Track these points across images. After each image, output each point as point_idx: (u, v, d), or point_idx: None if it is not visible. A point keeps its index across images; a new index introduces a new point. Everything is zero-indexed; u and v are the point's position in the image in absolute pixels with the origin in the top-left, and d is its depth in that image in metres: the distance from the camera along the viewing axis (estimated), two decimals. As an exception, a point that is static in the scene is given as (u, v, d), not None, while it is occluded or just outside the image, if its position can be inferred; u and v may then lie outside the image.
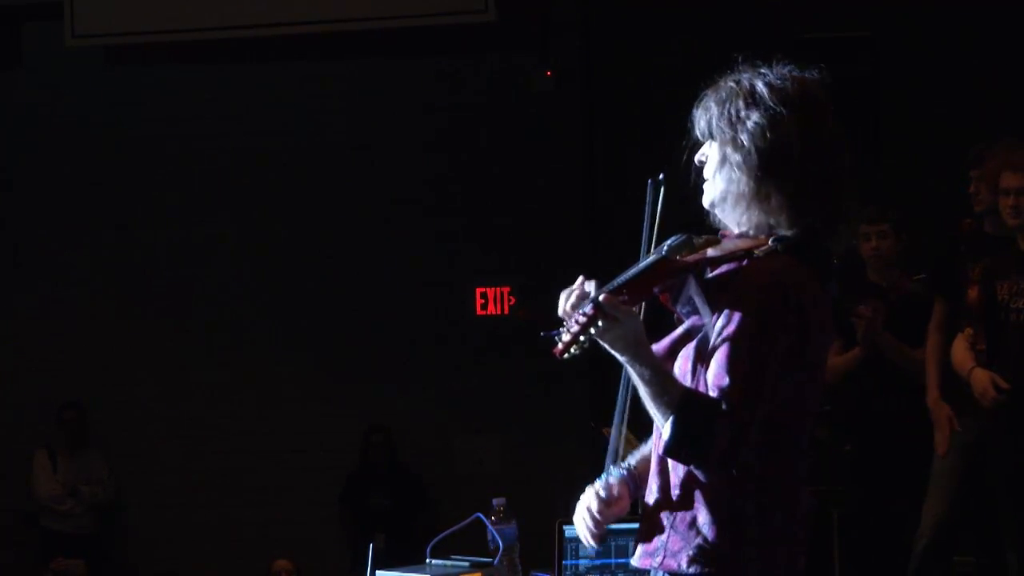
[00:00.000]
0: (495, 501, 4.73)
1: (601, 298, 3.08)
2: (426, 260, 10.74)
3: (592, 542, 3.35)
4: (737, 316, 3.10)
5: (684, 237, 3.20)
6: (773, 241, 3.17)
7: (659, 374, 3.12)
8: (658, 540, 3.23)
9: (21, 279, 11.16)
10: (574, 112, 10.59)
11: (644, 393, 3.14)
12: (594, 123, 10.57)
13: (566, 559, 4.84)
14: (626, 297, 3.14)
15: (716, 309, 3.15)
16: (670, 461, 3.22)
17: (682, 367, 3.22)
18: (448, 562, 4.83)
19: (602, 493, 3.32)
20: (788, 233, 3.20)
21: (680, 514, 3.19)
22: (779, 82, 3.24)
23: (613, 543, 4.82)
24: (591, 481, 3.37)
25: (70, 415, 10.74)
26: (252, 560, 10.06)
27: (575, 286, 3.23)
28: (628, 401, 3.27)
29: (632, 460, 3.39)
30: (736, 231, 3.27)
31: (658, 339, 3.29)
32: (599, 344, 3.15)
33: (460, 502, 5.84)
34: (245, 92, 10.98)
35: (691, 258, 3.17)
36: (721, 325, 3.12)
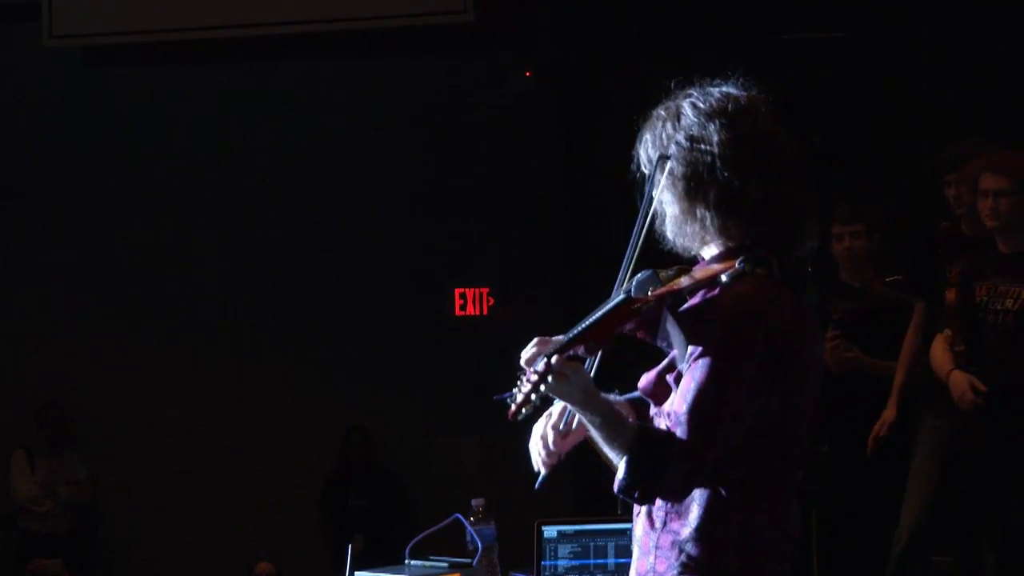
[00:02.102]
0: (474, 502, 4.74)
1: (554, 359, 3.08)
2: (405, 261, 10.74)
3: (543, 468, 3.37)
4: (704, 347, 3.09)
5: (650, 273, 3.18)
6: (739, 263, 3.15)
7: (609, 420, 3.13)
8: (646, 562, 3.23)
9: (1, 279, 11.14)
10: (553, 112, 10.59)
11: (597, 437, 3.15)
12: (573, 123, 10.58)
13: (544, 560, 4.85)
14: (584, 348, 3.14)
15: (691, 340, 3.13)
16: None
17: (670, 398, 3.22)
18: (427, 563, 4.84)
19: (561, 427, 3.32)
20: (743, 251, 3.18)
21: (664, 534, 3.19)
22: (704, 102, 3.23)
23: (592, 543, 4.83)
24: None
25: (49, 415, 10.71)
26: (231, 562, 10.05)
27: (536, 343, 3.23)
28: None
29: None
30: (705, 255, 3.27)
31: (648, 368, 3.28)
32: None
33: (439, 503, 5.84)
34: (225, 92, 10.97)
35: (656, 295, 3.14)
36: (690, 355, 3.12)
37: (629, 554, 4.62)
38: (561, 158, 10.57)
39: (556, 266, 10.32)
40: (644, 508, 3.24)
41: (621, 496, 3.14)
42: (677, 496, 3.13)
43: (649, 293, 3.13)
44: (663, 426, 3.14)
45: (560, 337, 3.17)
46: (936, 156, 7.30)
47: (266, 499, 10.69)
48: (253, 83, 10.96)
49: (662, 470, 3.06)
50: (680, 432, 3.07)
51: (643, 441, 3.09)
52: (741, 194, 3.17)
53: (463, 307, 10.64)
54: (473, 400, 10.39)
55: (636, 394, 3.36)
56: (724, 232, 3.20)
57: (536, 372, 3.08)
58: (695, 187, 3.20)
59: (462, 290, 10.63)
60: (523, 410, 3.12)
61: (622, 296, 3.13)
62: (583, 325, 3.13)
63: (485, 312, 10.58)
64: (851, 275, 7.57)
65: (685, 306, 3.17)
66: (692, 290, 3.16)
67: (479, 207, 10.64)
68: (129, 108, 11.05)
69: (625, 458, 3.09)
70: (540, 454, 3.36)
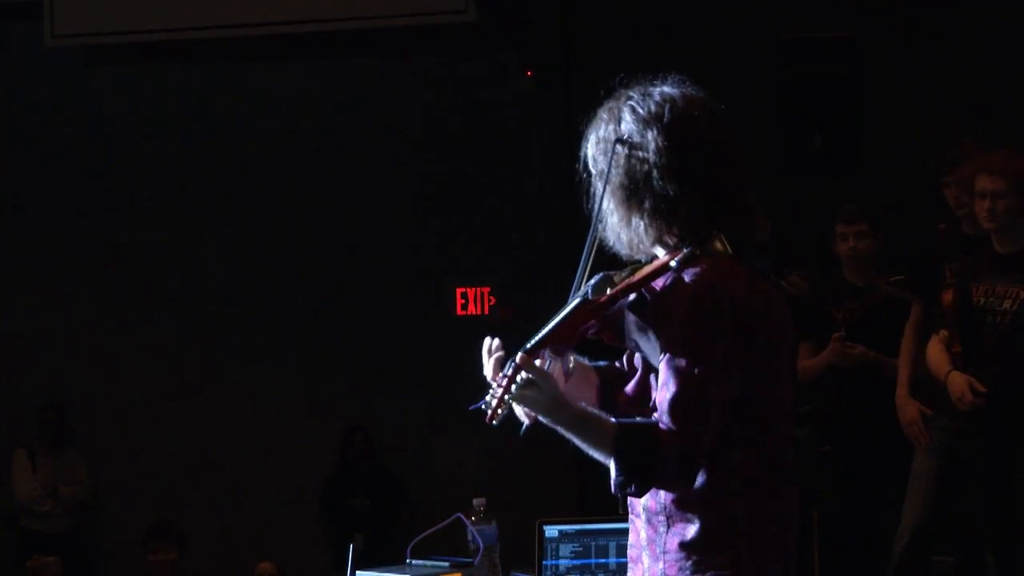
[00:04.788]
0: (475, 501, 4.74)
1: (518, 358, 3.10)
2: (406, 260, 10.75)
3: (527, 419, 3.30)
4: (672, 332, 3.10)
5: (603, 275, 3.20)
6: (687, 248, 3.17)
7: (584, 424, 3.13)
8: (657, 568, 3.20)
9: (1, 278, 11.14)
10: (554, 111, 10.58)
11: (580, 445, 3.15)
12: (574, 122, 10.56)
13: (546, 559, 4.85)
14: (550, 351, 3.16)
15: (657, 330, 3.14)
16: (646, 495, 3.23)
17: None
18: (428, 562, 4.84)
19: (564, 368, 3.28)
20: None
21: (671, 536, 3.18)
22: (642, 107, 3.25)
23: (593, 543, 4.84)
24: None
25: (50, 415, 10.71)
26: (232, 561, 10.04)
27: (493, 349, 3.23)
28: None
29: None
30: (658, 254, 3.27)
31: (626, 381, 3.29)
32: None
33: (440, 502, 5.85)
34: (226, 92, 10.97)
35: (612, 292, 3.16)
36: (662, 344, 3.12)
37: (631, 554, 4.64)
38: (562, 157, 10.54)
39: (557, 265, 10.30)
40: (645, 515, 3.22)
41: (618, 494, 3.14)
42: (678, 483, 3.10)
43: (605, 293, 3.16)
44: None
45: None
46: (935, 156, 7.30)
47: (266, 499, 10.69)
48: (253, 83, 10.96)
49: (653, 458, 3.05)
50: (666, 419, 3.07)
51: (627, 434, 3.09)
52: (677, 203, 3.18)
53: (464, 306, 10.65)
54: (474, 400, 10.43)
55: (602, 363, 3.38)
56: (659, 240, 3.23)
57: (506, 375, 3.10)
58: (631, 195, 3.22)
59: (463, 289, 10.64)
60: (499, 411, 3.13)
61: (579, 299, 3.16)
62: (545, 330, 3.16)
63: (486, 311, 10.58)
64: (855, 275, 7.58)
65: (641, 299, 3.17)
66: (645, 283, 3.17)
67: (480, 206, 10.65)
68: (129, 108, 11.05)
69: (612, 457, 3.09)
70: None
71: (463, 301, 10.65)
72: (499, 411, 3.13)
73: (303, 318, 10.85)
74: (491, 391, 3.14)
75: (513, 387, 3.09)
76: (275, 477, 10.70)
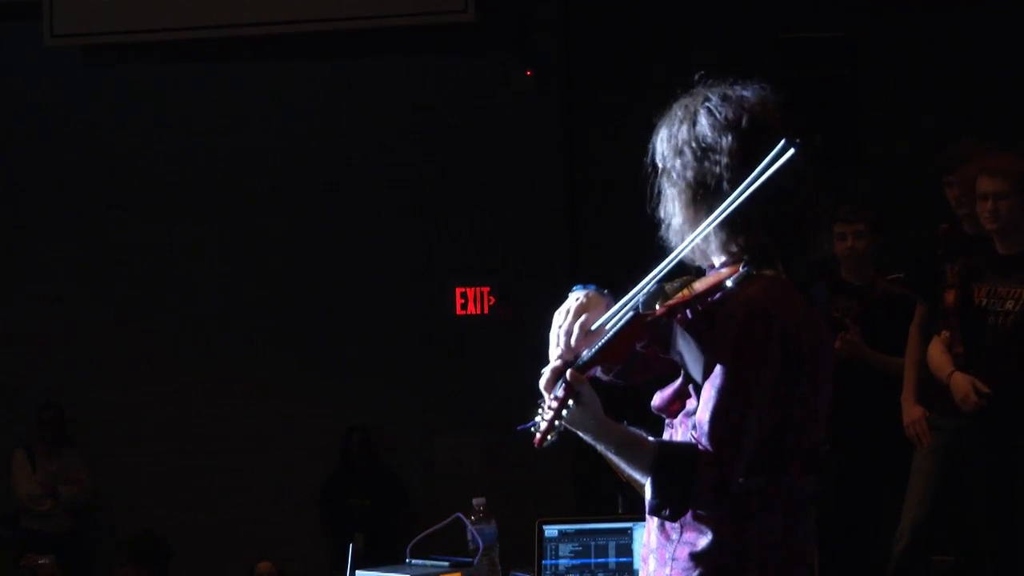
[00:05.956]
0: (475, 501, 4.74)
1: (569, 377, 3.06)
2: (406, 259, 10.74)
3: (558, 362, 3.24)
4: (720, 354, 3.06)
5: (656, 287, 3.14)
6: (744, 266, 3.11)
7: (625, 444, 3.11)
8: (661, 573, 3.19)
9: (1, 278, 11.14)
10: (554, 111, 10.60)
11: (618, 463, 3.14)
12: (574, 122, 10.58)
13: (546, 559, 4.85)
14: (601, 369, 3.14)
15: (705, 349, 3.10)
16: None
17: (690, 411, 3.19)
18: (428, 562, 4.84)
19: (592, 327, 3.21)
20: (753, 253, 3.14)
21: (681, 545, 3.16)
22: (720, 112, 3.18)
23: (592, 543, 4.83)
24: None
25: (49, 415, 10.71)
26: (231, 561, 10.04)
27: (551, 366, 3.17)
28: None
29: None
30: (715, 263, 3.22)
31: (660, 387, 3.26)
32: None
33: (440, 502, 5.85)
34: (225, 92, 10.97)
35: (664, 307, 3.11)
36: (708, 363, 3.09)
37: (630, 553, 4.65)
38: (561, 157, 10.58)
39: (557, 265, 10.33)
40: (659, 519, 3.19)
41: (653, 516, 3.13)
42: (710, 505, 3.08)
43: (657, 307, 3.10)
44: (678, 437, 3.13)
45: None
46: (936, 156, 7.30)
47: (266, 499, 10.69)
48: (253, 83, 10.96)
49: (689, 483, 3.04)
50: (705, 441, 3.04)
51: (665, 458, 3.07)
52: (746, 212, 3.12)
53: (464, 306, 10.65)
54: (474, 399, 10.45)
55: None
56: (725, 247, 3.17)
57: (557, 398, 3.06)
58: (701, 199, 3.16)
59: (463, 289, 10.64)
60: (548, 437, 3.08)
61: (631, 313, 3.11)
62: (596, 346, 3.12)
63: (486, 311, 10.58)
64: (853, 274, 7.58)
65: (695, 316, 3.12)
66: (700, 299, 3.11)
67: (480, 206, 10.65)
68: (129, 108, 11.05)
69: (650, 479, 3.07)
70: (560, 345, 3.25)
71: (463, 301, 10.65)
72: (548, 436, 3.07)
73: (303, 318, 10.84)
74: (540, 412, 3.08)
75: (565, 411, 3.04)
76: (275, 477, 10.70)
